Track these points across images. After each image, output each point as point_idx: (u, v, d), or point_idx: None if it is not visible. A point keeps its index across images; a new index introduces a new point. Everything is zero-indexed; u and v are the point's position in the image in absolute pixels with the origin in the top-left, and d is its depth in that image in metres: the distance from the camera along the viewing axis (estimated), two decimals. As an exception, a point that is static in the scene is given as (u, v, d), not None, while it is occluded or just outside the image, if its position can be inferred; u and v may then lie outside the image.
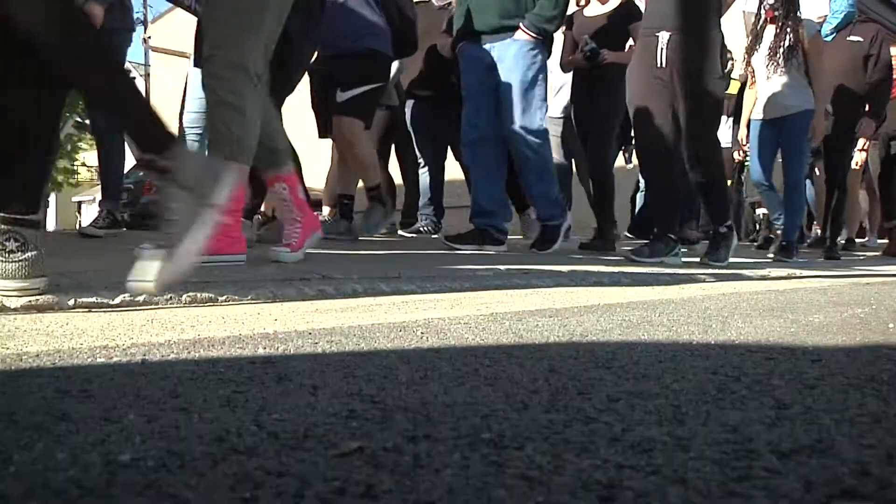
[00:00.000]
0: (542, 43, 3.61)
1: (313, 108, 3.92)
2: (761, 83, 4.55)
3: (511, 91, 3.58)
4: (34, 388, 0.81)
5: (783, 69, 4.39)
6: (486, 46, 3.62)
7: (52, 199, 27.22)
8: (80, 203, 26.42)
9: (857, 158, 6.35)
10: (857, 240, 7.37)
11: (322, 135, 3.92)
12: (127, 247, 2.40)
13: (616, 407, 0.77)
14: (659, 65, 3.41)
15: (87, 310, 1.49)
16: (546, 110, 3.83)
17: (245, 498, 0.50)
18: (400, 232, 5.36)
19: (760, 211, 6.93)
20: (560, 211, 3.73)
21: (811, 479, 0.55)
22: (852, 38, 5.10)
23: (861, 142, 5.55)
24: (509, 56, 3.57)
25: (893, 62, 6.07)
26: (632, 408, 0.77)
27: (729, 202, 3.76)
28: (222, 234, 2.17)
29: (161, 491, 0.51)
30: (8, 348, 1.05)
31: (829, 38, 5.11)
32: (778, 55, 4.38)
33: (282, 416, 0.71)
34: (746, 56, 4.64)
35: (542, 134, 3.63)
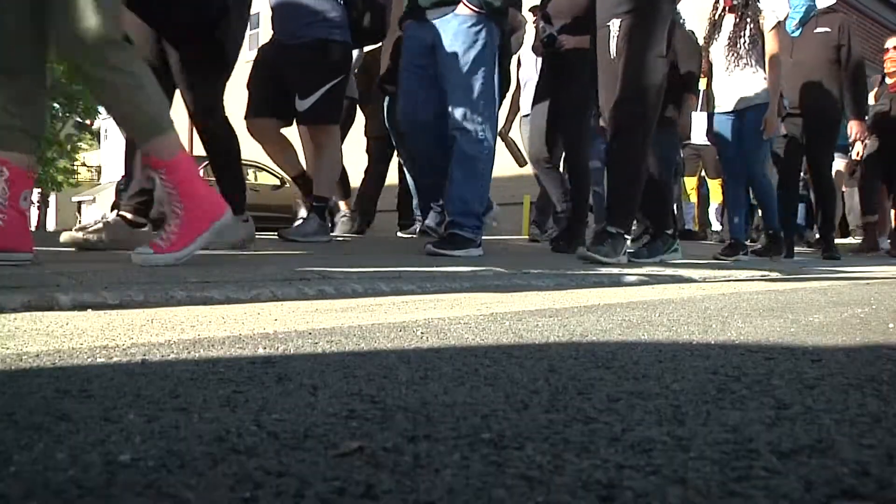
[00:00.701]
0: (487, 18, 3.12)
1: (248, 86, 3.58)
2: (720, 74, 4.36)
3: (450, 74, 3.09)
4: (34, 388, 0.81)
5: (744, 60, 4.22)
6: (430, 23, 3.17)
7: (52, 199, 27.24)
8: (80, 203, 26.39)
9: (858, 149, 6.29)
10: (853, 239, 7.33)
11: (247, 115, 3.57)
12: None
13: (616, 407, 0.77)
14: (613, 56, 3.17)
15: (86, 310, 1.49)
16: (497, 97, 3.30)
17: (245, 498, 0.50)
18: (399, 234, 5.32)
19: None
20: (475, 226, 3.14)
21: (811, 479, 0.55)
22: (819, 29, 4.96)
23: (856, 133, 5.39)
24: (448, 34, 3.11)
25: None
26: (632, 408, 0.77)
27: (638, 191, 3.35)
28: (8, 229, 1.94)
29: (161, 491, 0.51)
30: (8, 348, 1.05)
31: (795, 34, 4.99)
32: (738, 45, 4.21)
33: (282, 416, 0.71)
34: (704, 46, 4.45)
35: (485, 127, 3.09)
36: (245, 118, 3.60)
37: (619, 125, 3.18)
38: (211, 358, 1.02)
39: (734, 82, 4.29)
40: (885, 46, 6.28)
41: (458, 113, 3.10)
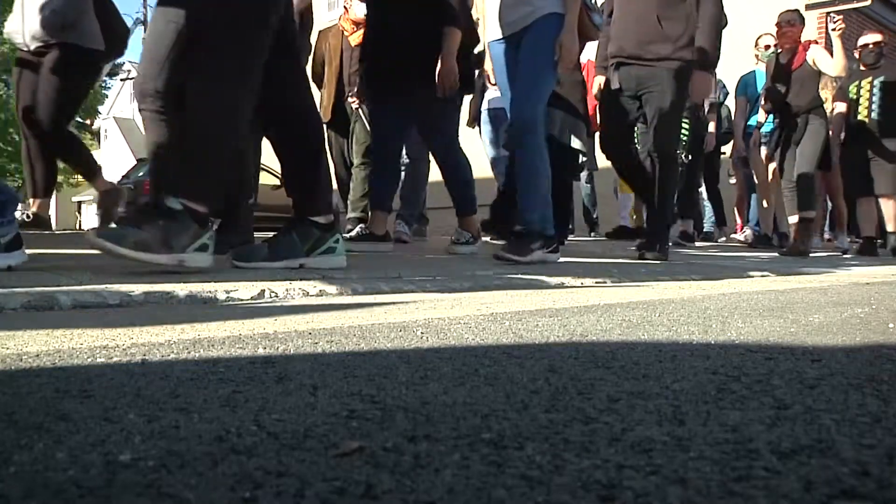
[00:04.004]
0: None
1: None
2: None
3: None
4: (34, 388, 0.81)
5: None
6: None
7: (52, 198, 27.25)
8: (80, 203, 26.39)
9: (760, 118, 5.86)
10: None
11: None
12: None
13: (616, 407, 0.77)
14: None
15: (87, 310, 1.49)
16: None
17: (245, 498, 0.50)
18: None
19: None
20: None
21: (811, 479, 0.55)
22: None
23: (695, 91, 3.97)
24: None
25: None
26: (632, 408, 0.77)
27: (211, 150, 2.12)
28: None
29: (161, 491, 0.51)
30: (8, 348, 1.05)
31: None
32: None
33: (282, 416, 0.71)
34: None
35: None
36: None
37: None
38: (211, 358, 1.02)
39: None
40: (777, 22, 5.47)
41: None
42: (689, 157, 6.02)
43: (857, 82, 5.83)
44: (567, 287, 2.40)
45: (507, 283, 2.33)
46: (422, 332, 1.29)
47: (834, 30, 5.29)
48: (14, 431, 0.64)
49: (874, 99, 5.70)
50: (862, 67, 5.89)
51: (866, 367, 1.03)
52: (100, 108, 29.56)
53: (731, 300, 2.03)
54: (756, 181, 6.56)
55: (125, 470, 0.55)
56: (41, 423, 0.67)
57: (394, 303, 1.81)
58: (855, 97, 5.82)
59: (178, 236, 1.90)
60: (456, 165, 3.65)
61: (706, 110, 6.50)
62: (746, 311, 1.75)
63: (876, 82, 5.71)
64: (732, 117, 6.87)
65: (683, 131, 5.35)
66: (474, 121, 5.67)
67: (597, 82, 4.15)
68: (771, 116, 5.68)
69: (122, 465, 0.56)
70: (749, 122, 6.43)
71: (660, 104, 3.76)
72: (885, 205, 5.77)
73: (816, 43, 5.42)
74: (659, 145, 3.83)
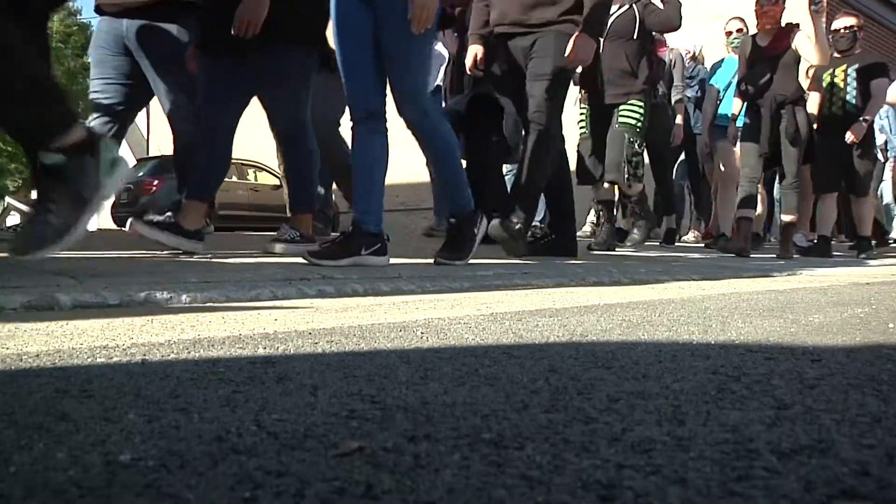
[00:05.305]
0: None
1: None
2: None
3: None
4: (34, 388, 0.81)
5: None
6: None
7: (52, 198, 27.14)
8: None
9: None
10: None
11: None
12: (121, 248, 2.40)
13: (616, 407, 0.77)
14: None
15: (87, 310, 1.49)
16: None
17: (245, 498, 0.50)
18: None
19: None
20: None
21: (811, 479, 0.55)
22: None
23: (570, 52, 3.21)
24: None
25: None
26: (632, 408, 0.77)
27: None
28: None
29: (161, 491, 0.51)
30: (8, 348, 1.05)
31: None
32: None
33: (282, 416, 0.71)
34: None
35: None
36: None
37: None
38: (211, 358, 1.02)
39: None
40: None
41: None
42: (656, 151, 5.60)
43: (830, 70, 5.31)
44: (567, 287, 2.40)
45: (507, 283, 2.33)
46: (422, 332, 1.29)
47: (817, 12, 4.66)
48: (14, 431, 0.64)
49: (849, 89, 5.28)
50: (836, 54, 5.38)
51: (866, 367, 1.03)
52: (100, 108, 29.46)
53: (731, 300, 2.03)
54: (721, 178, 6.01)
55: (125, 470, 0.55)
56: (41, 423, 0.67)
57: (394, 303, 1.81)
58: (829, 86, 5.35)
59: (84, 186, 1.85)
60: (304, 155, 3.00)
61: (673, 100, 5.92)
62: (746, 311, 1.75)
63: (850, 70, 5.26)
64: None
65: (639, 117, 4.71)
66: None
67: (472, 52, 3.58)
68: (745, 107, 4.99)
69: (122, 465, 0.56)
70: (720, 112, 5.87)
71: (539, 70, 3.26)
72: (857, 205, 5.46)
73: (797, 27, 4.81)
74: (533, 115, 3.27)
